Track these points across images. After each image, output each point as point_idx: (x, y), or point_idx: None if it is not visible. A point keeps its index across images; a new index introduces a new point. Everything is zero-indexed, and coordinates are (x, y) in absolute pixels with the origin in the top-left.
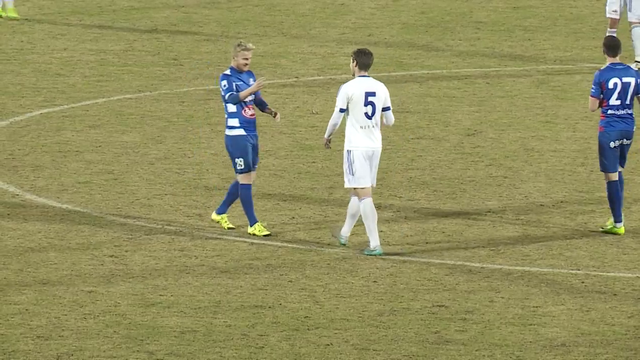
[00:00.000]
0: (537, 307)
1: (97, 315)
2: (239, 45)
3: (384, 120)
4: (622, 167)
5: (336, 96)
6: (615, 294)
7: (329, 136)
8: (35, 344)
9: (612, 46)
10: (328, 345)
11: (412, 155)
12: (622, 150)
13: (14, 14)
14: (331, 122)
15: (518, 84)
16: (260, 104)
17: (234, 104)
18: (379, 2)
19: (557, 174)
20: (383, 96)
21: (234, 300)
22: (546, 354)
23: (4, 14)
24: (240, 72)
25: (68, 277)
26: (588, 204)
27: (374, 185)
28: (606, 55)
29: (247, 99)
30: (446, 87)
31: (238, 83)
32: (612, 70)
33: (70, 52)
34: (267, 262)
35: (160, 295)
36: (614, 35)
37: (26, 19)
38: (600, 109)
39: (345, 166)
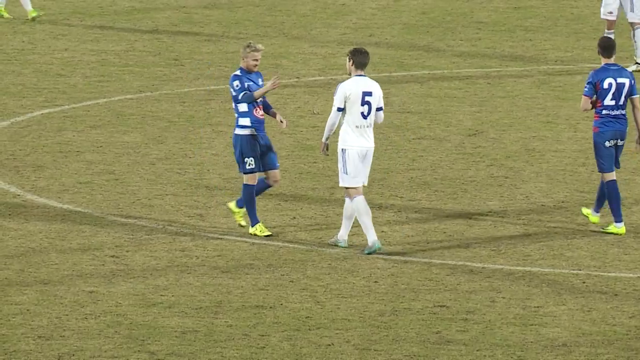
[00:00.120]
0: (538, 307)
1: (98, 316)
2: (248, 46)
3: (375, 119)
4: (617, 167)
5: (333, 95)
6: (616, 294)
7: (327, 139)
8: (37, 344)
9: (607, 47)
10: (329, 345)
11: (413, 156)
12: (616, 151)
13: (5, 14)
14: (329, 122)
15: (519, 84)
16: (265, 106)
17: (248, 104)
18: (380, 2)
19: (558, 174)
20: (378, 96)
21: (235, 301)
22: (547, 354)
23: (5, 14)
24: (250, 72)
25: (69, 277)
26: (589, 204)
27: (365, 184)
28: (601, 56)
29: (258, 99)
30: (447, 87)
31: (249, 83)
32: (607, 70)
33: (71, 52)
34: (268, 262)
35: (161, 295)
36: (610, 36)
37: (26, 19)
38: (593, 109)
39: (340, 165)
